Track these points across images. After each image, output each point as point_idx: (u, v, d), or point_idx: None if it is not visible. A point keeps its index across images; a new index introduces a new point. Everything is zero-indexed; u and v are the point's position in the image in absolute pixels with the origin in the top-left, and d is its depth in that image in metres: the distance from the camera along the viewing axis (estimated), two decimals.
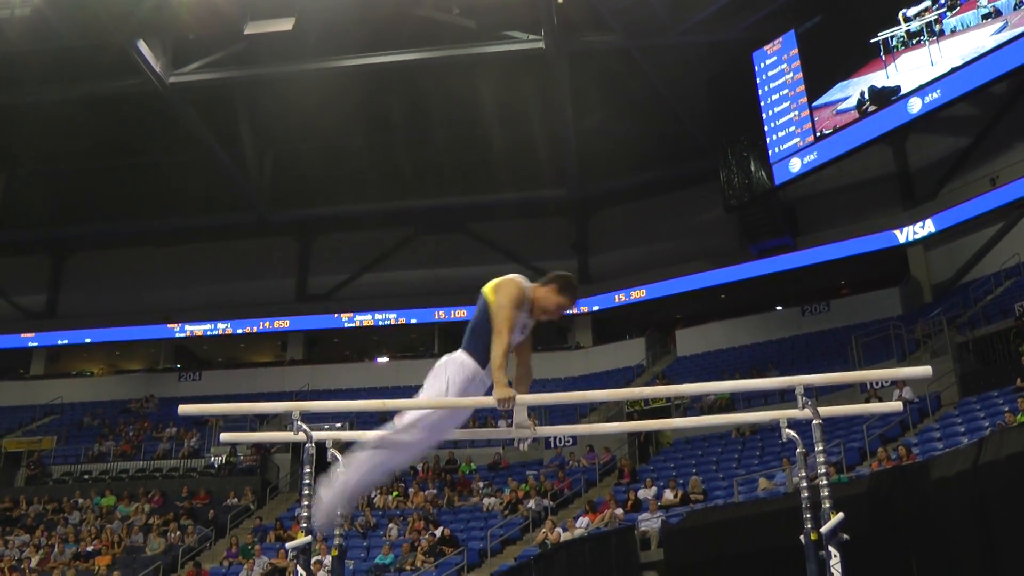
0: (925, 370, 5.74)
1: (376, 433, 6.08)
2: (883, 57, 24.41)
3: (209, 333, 35.92)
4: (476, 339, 5.84)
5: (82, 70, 28.04)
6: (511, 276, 5.89)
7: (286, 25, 25.47)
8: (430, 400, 5.84)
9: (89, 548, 23.76)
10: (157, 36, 27.24)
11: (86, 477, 28.37)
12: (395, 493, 24.70)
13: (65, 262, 37.94)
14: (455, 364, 5.87)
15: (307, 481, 5.71)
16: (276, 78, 29.53)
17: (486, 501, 23.57)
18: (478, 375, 5.83)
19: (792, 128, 26.35)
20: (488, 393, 5.78)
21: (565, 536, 19.22)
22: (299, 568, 5.55)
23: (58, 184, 35.01)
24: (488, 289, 5.90)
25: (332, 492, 5.92)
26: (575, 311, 33.41)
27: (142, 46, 26.55)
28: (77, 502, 26.44)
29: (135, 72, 27.52)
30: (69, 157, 33.51)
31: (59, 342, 36.61)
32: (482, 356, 5.78)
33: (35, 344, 36.55)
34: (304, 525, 5.62)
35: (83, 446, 30.07)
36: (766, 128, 26.90)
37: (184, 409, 6.00)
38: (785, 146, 26.44)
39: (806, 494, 5.75)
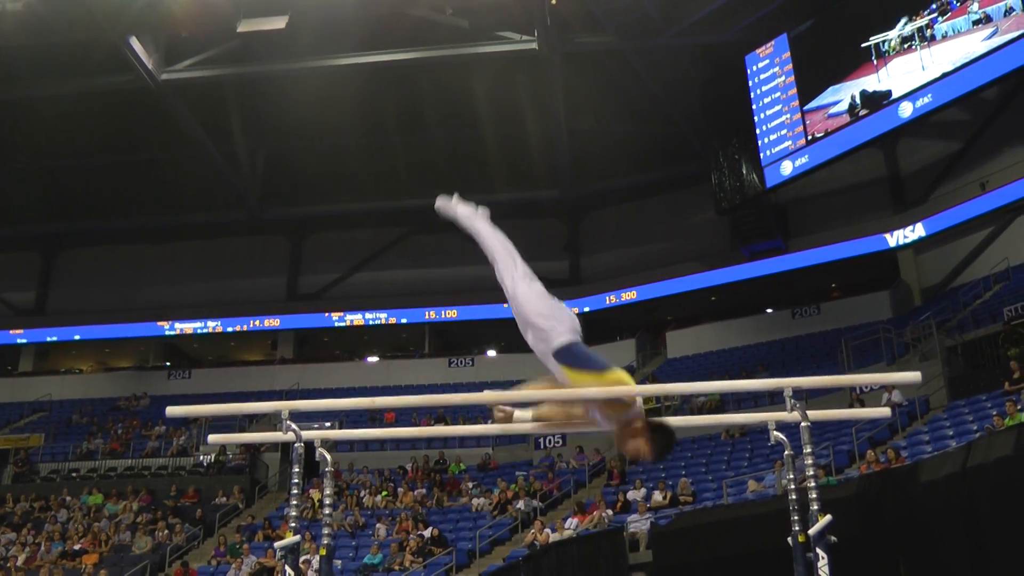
0: (914, 376, 5.75)
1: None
2: (875, 61, 24.45)
3: (199, 331, 35.91)
4: (575, 359, 5.64)
5: (74, 66, 27.94)
6: (630, 383, 5.58)
7: (279, 23, 25.41)
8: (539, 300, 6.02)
9: (76, 547, 23.71)
10: (150, 33, 27.17)
11: (74, 475, 28.32)
12: (384, 493, 24.70)
13: (55, 259, 37.88)
14: (561, 326, 5.79)
15: (296, 480, 5.71)
16: (269, 76, 29.47)
17: (475, 501, 23.57)
18: (547, 341, 5.77)
19: (784, 131, 26.38)
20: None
21: (554, 537, 19.21)
22: (287, 567, 5.54)
23: (49, 180, 34.89)
24: (616, 376, 5.53)
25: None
26: None
27: (134, 43, 26.46)
28: (65, 500, 26.39)
29: (127, 69, 27.44)
30: (60, 153, 33.38)
31: (48, 339, 36.58)
32: (563, 356, 5.65)
33: (24, 341, 36.49)
34: (293, 524, 5.62)
35: (71, 444, 30.02)
36: (758, 131, 26.93)
37: (172, 411, 6.00)
38: (777, 149, 26.47)
39: (794, 496, 5.76)
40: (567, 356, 5.60)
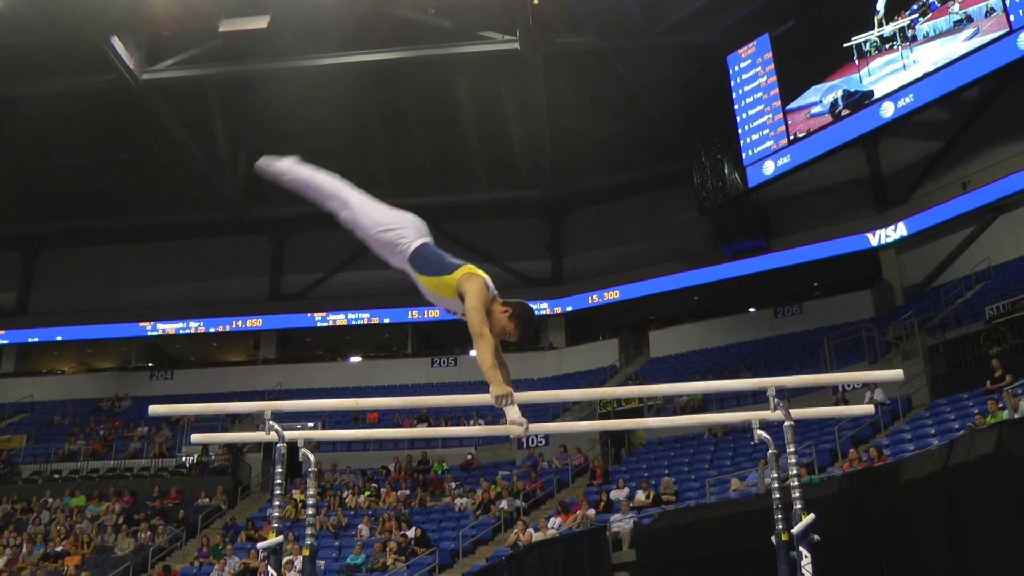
0: (896, 373, 5.77)
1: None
2: (857, 61, 24.53)
3: (181, 332, 35.80)
4: (422, 261, 5.89)
5: (55, 66, 27.85)
6: (474, 272, 5.72)
7: (261, 23, 25.37)
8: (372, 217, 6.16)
9: (58, 548, 23.58)
10: (131, 32, 27.09)
11: (56, 476, 28.18)
12: (367, 493, 24.66)
13: (36, 259, 37.69)
14: (407, 235, 5.99)
15: (278, 481, 5.69)
16: (251, 76, 29.44)
17: (458, 501, 23.56)
18: (398, 252, 5.97)
19: (766, 131, 26.44)
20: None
21: (537, 537, 19.21)
22: (270, 568, 5.53)
23: (30, 180, 34.74)
24: (453, 283, 5.73)
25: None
26: (548, 312, 33.53)
27: (116, 42, 26.39)
28: (47, 502, 26.25)
29: (109, 68, 27.36)
30: (41, 154, 33.27)
31: (30, 340, 36.40)
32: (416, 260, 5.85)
33: (5, 342, 36.31)
34: (275, 525, 5.60)
35: (53, 445, 29.89)
36: (740, 131, 26.99)
37: (154, 410, 5.98)
38: (759, 149, 26.53)
39: (777, 495, 5.77)
40: (416, 261, 5.85)
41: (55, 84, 28.70)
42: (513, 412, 5.53)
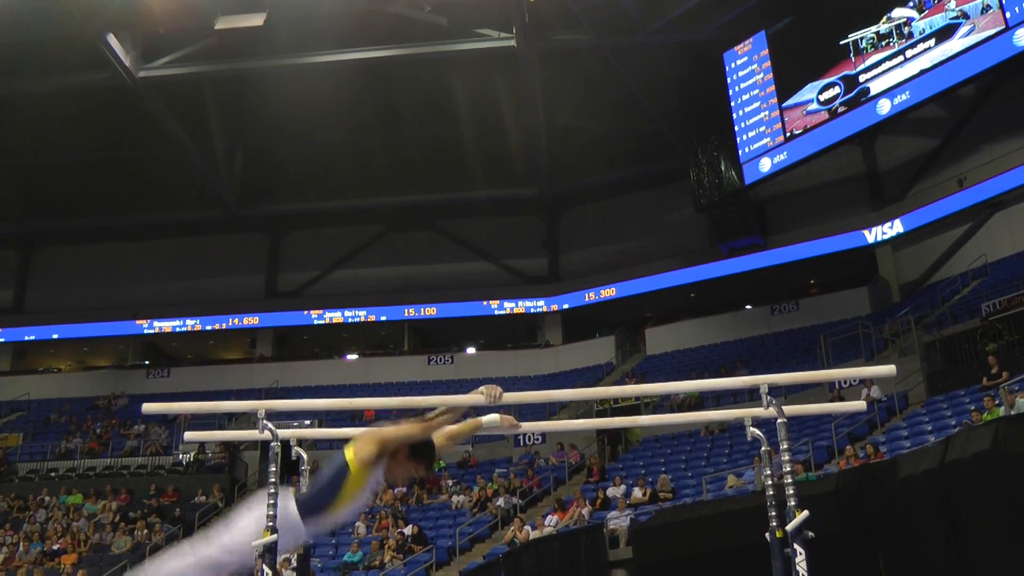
0: (888, 369, 5.77)
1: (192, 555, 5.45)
2: (853, 58, 24.53)
3: (178, 329, 35.80)
4: (313, 497, 5.48)
5: (51, 64, 27.83)
6: (368, 433, 5.48)
7: (257, 20, 25.37)
8: (232, 540, 5.45)
9: (55, 546, 23.57)
10: (127, 30, 27.08)
11: (52, 475, 28.15)
12: None
13: (32, 257, 37.65)
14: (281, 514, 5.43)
15: (272, 479, 5.68)
16: (247, 74, 29.42)
17: (455, 499, 23.55)
18: (294, 530, 5.46)
19: (762, 128, 26.44)
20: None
21: (534, 534, 19.22)
22: (265, 567, 5.52)
23: (26, 178, 34.73)
24: (351, 458, 5.32)
25: None
26: (545, 310, 33.54)
27: (112, 40, 26.37)
28: (43, 500, 26.22)
29: (105, 66, 27.33)
30: (38, 151, 33.23)
31: (26, 338, 36.38)
32: (309, 512, 5.41)
33: (1, 340, 36.28)
34: (270, 524, 5.59)
35: (50, 443, 29.84)
36: (736, 128, 26.98)
37: (148, 407, 5.96)
38: (755, 146, 26.53)
39: (771, 492, 5.77)
40: (312, 509, 5.46)
41: (51, 82, 28.67)
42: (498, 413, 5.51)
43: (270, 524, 5.57)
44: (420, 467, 5.49)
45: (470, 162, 33.62)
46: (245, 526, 5.46)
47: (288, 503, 5.41)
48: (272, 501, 5.59)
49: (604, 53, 28.17)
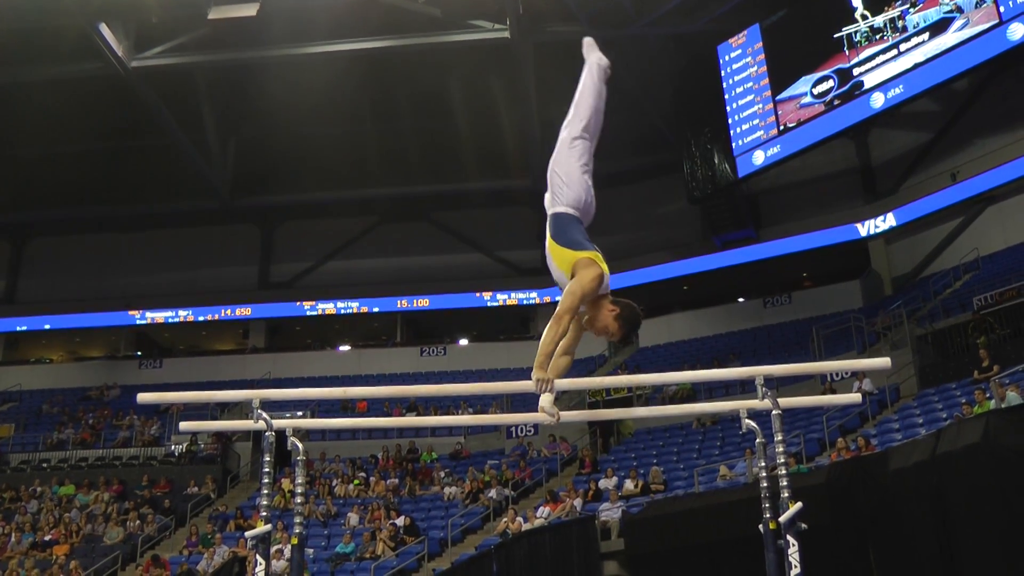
0: (884, 361, 5.78)
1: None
2: (847, 52, 24.57)
3: (170, 320, 35.75)
4: (557, 227, 6.00)
5: (43, 54, 27.71)
6: (597, 262, 5.70)
7: (250, 11, 25.29)
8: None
9: (47, 537, 23.53)
10: (119, 19, 26.95)
11: (44, 465, 28.10)
12: (356, 482, 24.66)
13: (24, 247, 37.58)
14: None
15: (267, 470, 5.69)
16: (240, 64, 29.33)
17: (447, 490, 23.58)
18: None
19: (756, 121, 26.47)
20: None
21: (526, 526, 19.23)
22: (258, 557, 5.53)
23: (18, 169, 34.58)
24: (572, 260, 5.73)
25: None
26: (538, 301, 33.55)
27: (104, 29, 26.26)
28: (35, 491, 26.18)
29: (97, 56, 27.23)
30: (29, 141, 33.10)
31: (18, 328, 36.32)
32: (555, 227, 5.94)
33: None
34: (264, 514, 5.60)
35: (42, 434, 29.80)
36: (730, 121, 27.03)
37: (143, 397, 5.96)
38: (749, 139, 26.57)
39: (765, 484, 5.78)
40: (553, 223, 5.91)
41: (43, 72, 28.55)
42: (546, 400, 5.52)
43: (264, 515, 5.59)
44: (619, 331, 5.68)
45: (464, 154, 33.61)
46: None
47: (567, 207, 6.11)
48: (266, 492, 5.60)
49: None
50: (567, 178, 5.96)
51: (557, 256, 5.75)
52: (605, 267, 5.66)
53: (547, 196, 6.07)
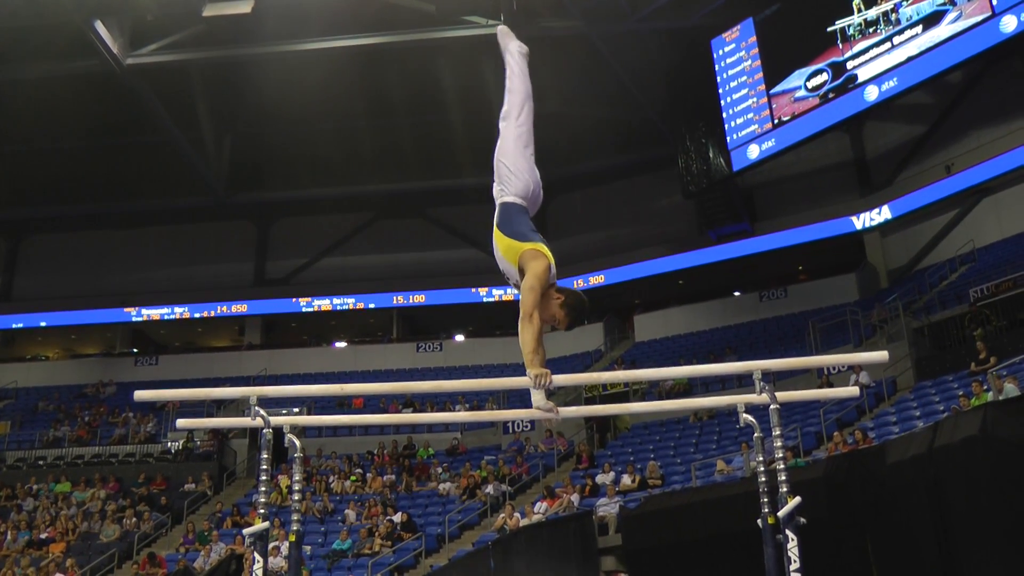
0: (881, 355, 5.77)
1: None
2: (840, 45, 24.58)
3: (166, 317, 35.74)
4: (505, 219, 6.01)
5: (38, 50, 27.67)
6: (543, 253, 5.69)
7: (245, 7, 25.25)
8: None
9: (43, 535, 23.51)
10: (115, 16, 26.91)
11: (41, 463, 28.10)
12: (353, 478, 24.67)
13: (20, 244, 37.54)
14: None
15: (264, 467, 5.68)
16: (235, 61, 29.32)
17: (442, 487, 23.58)
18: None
19: (750, 115, 26.47)
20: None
21: (523, 522, 19.24)
22: (256, 554, 5.52)
23: (13, 166, 34.52)
24: (518, 251, 5.74)
25: None
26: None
27: (99, 26, 26.22)
28: (31, 488, 26.17)
29: (92, 53, 27.18)
30: (24, 138, 33.03)
31: (14, 326, 36.29)
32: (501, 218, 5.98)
33: None
34: (261, 511, 5.59)
35: (38, 431, 29.79)
36: (724, 115, 27.02)
37: (140, 395, 5.95)
38: (743, 133, 26.57)
39: (763, 478, 5.78)
40: (501, 212, 5.97)
41: (38, 68, 28.53)
42: (539, 397, 5.58)
43: (261, 512, 5.58)
44: (565, 319, 5.78)
45: (458, 149, 33.56)
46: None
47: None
48: (264, 489, 5.59)
49: (592, 40, 28.16)
50: (513, 167, 6.12)
51: (503, 246, 5.81)
52: (551, 257, 5.71)
53: (495, 187, 6.16)
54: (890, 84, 23.49)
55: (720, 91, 27.20)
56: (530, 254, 5.65)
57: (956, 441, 10.01)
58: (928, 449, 10.37)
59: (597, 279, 33.06)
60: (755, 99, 26.44)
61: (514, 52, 6.47)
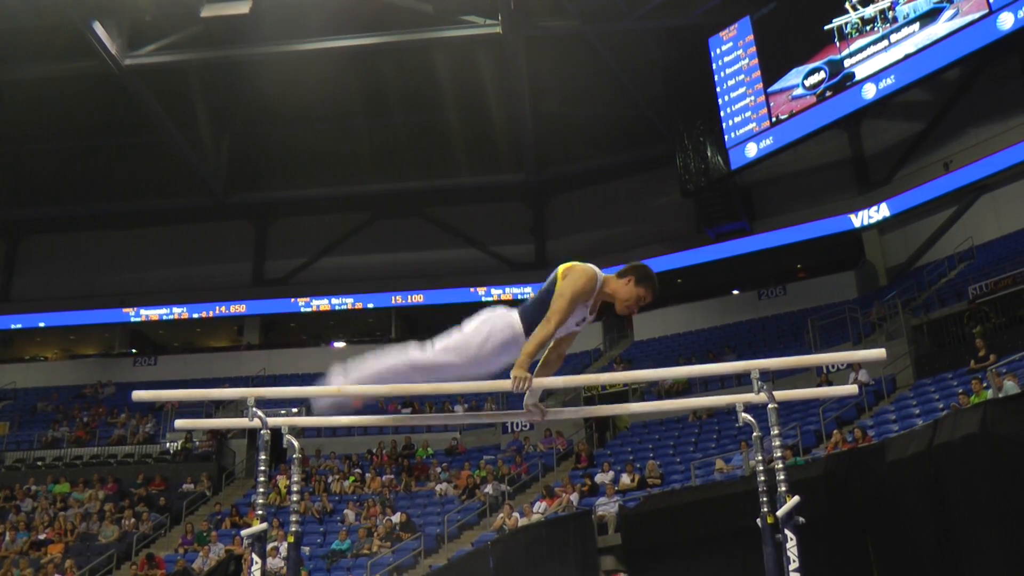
0: (879, 353, 5.75)
1: (397, 355, 5.88)
2: (838, 43, 24.58)
3: (165, 317, 35.71)
4: (534, 311, 5.57)
5: (37, 51, 27.68)
6: (588, 266, 5.55)
7: (243, 8, 25.25)
8: (456, 341, 5.65)
9: (42, 536, 23.48)
10: (113, 17, 26.91)
11: (39, 464, 28.07)
12: (352, 478, 24.65)
13: (19, 245, 37.52)
14: (503, 322, 5.62)
15: (262, 467, 5.66)
16: (233, 62, 29.32)
17: (438, 487, 23.57)
18: (519, 343, 5.54)
19: (748, 113, 26.47)
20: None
21: (522, 521, 19.23)
22: (254, 555, 5.50)
23: (12, 166, 34.52)
24: (561, 269, 5.59)
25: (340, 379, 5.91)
26: (532, 296, 33.48)
27: (98, 27, 26.22)
28: (30, 489, 26.14)
29: (91, 54, 27.19)
30: (23, 139, 33.01)
31: (12, 326, 36.25)
32: (531, 327, 5.52)
33: None
34: (260, 512, 5.58)
35: (36, 432, 29.76)
36: (722, 113, 27.02)
37: (138, 395, 5.92)
38: (741, 131, 26.56)
39: (762, 477, 5.76)
40: (524, 309, 5.66)
41: (37, 69, 28.54)
42: (531, 398, 5.55)
43: (260, 512, 5.57)
44: (648, 292, 5.62)
45: (456, 149, 33.61)
46: (473, 328, 5.66)
47: (511, 312, 5.63)
48: (262, 489, 5.57)
49: (590, 39, 28.17)
50: (486, 331, 5.67)
51: (544, 295, 5.62)
52: (588, 265, 5.59)
53: (510, 356, 5.61)
54: (887, 82, 23.50)
55: (718, 89, 27.20)
56: (565, 271, 5.57)
57: (956, 439, 10.00)
58: (928, 447, 10.35)
59: None
60: (753, 97, 26.44)
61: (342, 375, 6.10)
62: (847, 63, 24.37)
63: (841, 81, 24.43)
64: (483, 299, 34.11)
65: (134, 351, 37.16)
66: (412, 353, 5.78)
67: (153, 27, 27.48)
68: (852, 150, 29.87)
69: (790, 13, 25.82)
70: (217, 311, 35.56)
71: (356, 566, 19.77)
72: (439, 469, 24.70)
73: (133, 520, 23.83)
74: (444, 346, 5.67)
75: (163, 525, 24.05)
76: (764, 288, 30.82)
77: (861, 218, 28.49)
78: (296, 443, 5.85)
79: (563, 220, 35.21)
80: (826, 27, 24.79)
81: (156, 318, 35.78)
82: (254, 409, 5.52)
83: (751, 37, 26.49)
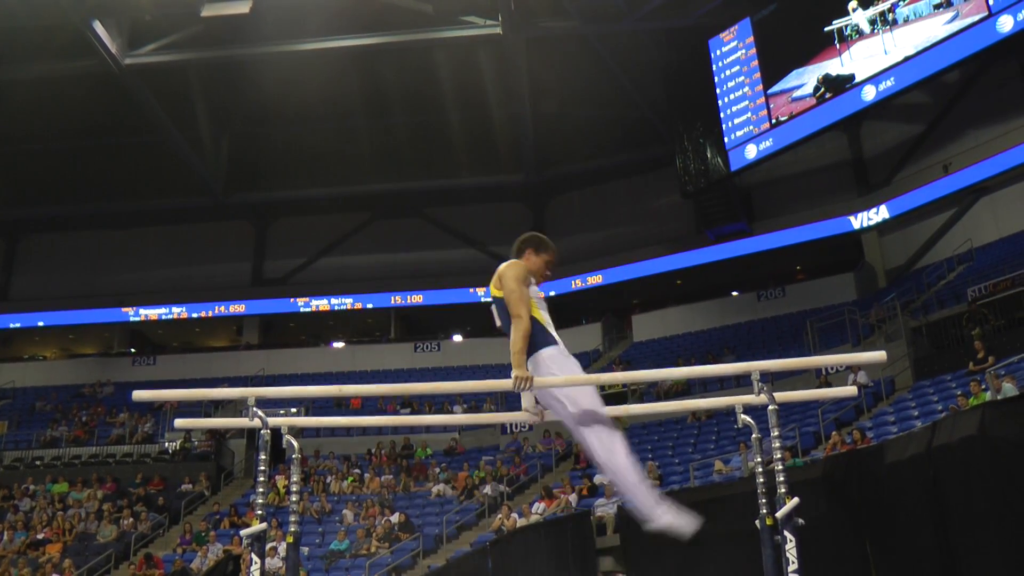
0: (879, 355, 5.75)
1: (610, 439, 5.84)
2: (838, 45, 24.58)
3: (164, 317, 35.70)
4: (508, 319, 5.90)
5: (37, 50, 27.66)
6: (506, 263, 5.91)
7: (243, 8, 25.26)
8: (582, 390, 5.85)
9: (40, 536, 23.46)
10: (113, 17, 26.93)
11: (38, 463, 28.07)
12: (351, 479, 24.65)
13: (18, 244, 37.54)
14: (552, 360, 5.92)
15: (262, 467, 5.66)
16: (234, 61, 29.31)
17: (435, 488, 23.56)
18: (562, 351, 5.93)
19: (748, 115, 26.47)
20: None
21: (521, 522, 19.22)
22: (253, 555, 5.50)
23: (12, 166, 34.49)
24: (494, 287, 5.90)
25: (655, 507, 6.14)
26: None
27: (98, 27, 26.22)
28: (28, 488, 26.12)
29: (91, 53, 27.19)
30: (22, 138, 32.98)
31: (11, 325, 36.22)
32: (545, 338, 5.96)
33: None
34: (258, 512, 5.58)
35: (35, 431, 29.75)
36: (722, 115, 27.02)
37: (138, 395, 5.92)
38: (741, 132, 26.56)
39: (762, 479, 5.77)
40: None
41: (37, 69, 28.53)
42: (528, 400, 5.61)
43: (259, 512, 5.56)
44: (549, 256, 6.15)
45: (456, 149, 33.62)
46: (564, 379, 5.88)
47: (548, 352, 5.99)
48: (261, 489, 5.57)
49: (590, 40, 28.18)
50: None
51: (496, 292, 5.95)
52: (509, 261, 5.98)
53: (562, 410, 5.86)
54: (887, 84, 23.50)
55: (718, 91, 27.20)
56: (498, 280, 5.90)
57: (955, 440, 10.00)
58: (927, 448, 10.35)
59: (595, 279, 33.05)
60: (753, 99, 26.44)
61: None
62: (847, 65, 24.36)
63: (841, 83, 24.43)
64: (482, 299, 34.09)
65: (133, 351, 37.16)
66: (607, 422, 5.84)
67: (153, 27, 27.49)
68: (852, 152, 29.89)
69: (790, 15, 25.83)
70: (216, 311, 35.55)
71: (355, 566, 19.77)
72: (438, 470, 24.70)
73: (131, 520, 23.81)
74: (591, 400, 5.83)
75: (161, 525, 24.04)
76: (763, 289, 30.85)
77: (860, 220, 28.50)
78: (295, 443, 5.85)
79: (562, 221, 35.19)
80: (826, 29, 24.79)
81: (155, 318, 35.78)
82: (255, 409, 5.52)
83: (751, 39, 26.49)
